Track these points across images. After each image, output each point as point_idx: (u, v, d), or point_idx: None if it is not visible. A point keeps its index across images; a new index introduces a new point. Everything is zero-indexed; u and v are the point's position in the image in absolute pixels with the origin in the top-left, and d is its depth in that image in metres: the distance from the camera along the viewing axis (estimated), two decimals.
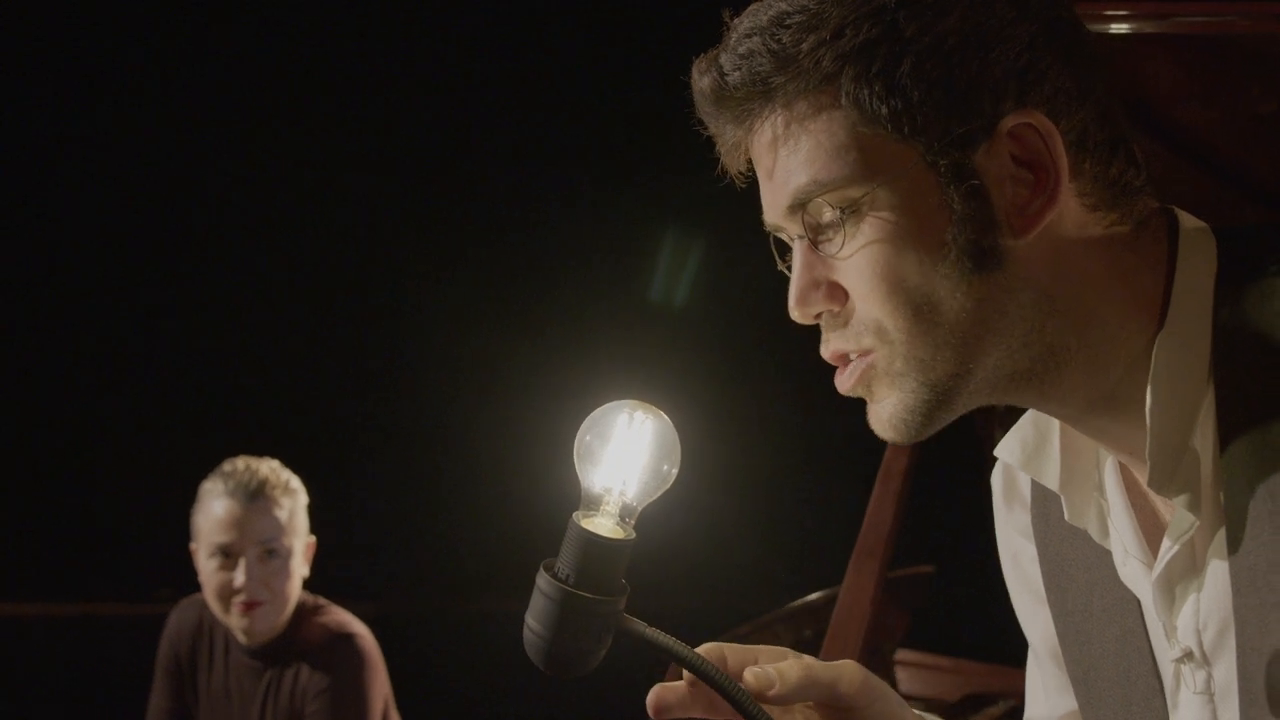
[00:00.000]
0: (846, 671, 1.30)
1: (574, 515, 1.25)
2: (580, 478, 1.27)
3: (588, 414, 1.28)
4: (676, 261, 8.00)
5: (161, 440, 7.22)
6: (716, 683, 1.23)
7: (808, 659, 1.32)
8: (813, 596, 3.37)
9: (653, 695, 1.29)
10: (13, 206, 7.47)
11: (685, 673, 1.29)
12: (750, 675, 1.25)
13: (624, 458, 1.27)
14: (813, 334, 1.36)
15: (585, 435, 1.27)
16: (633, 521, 1.27)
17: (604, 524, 1.25)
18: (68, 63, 7.40)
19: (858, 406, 1.35)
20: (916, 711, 1.41)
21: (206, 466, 3.47)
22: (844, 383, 1.32)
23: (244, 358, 7.74)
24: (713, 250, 6.89)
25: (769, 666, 1.27)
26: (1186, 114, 2.19)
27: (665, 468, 1.27)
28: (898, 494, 2.69)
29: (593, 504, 1.26)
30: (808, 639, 3.38)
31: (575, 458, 1.27)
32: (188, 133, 7.68)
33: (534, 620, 1.24)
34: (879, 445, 2.76)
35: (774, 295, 1.35)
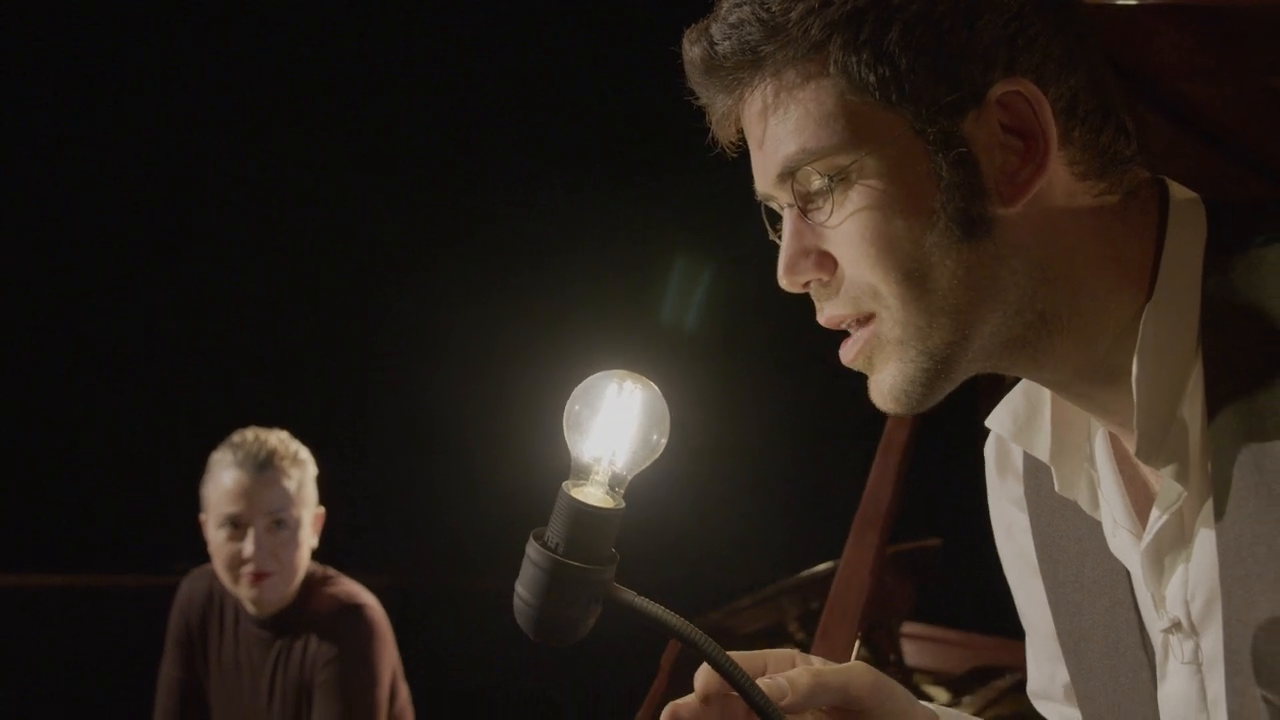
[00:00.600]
0: (856, 674, 1.31)
1: (563, 485, 1.26)
2: (569, 447, 1.27)
3: (576, 385, 1.29)
4: (670, 235, 7.99)
5: (174, 414, 7.25)
6: (704, 651, 1.24)
7: (817, 664, 1.33)
8: (820, 567, 3.37)
9: (666, 713, 1.31)
10: (41, 178, 7.49)
11: (698, 688, 1.31)
12: (760, 685, 1.25)
13: (613, 427, 1.27)
14: (810, 303, 1.36)
15: (574, 405, 1.27)
16: (622, 491, 1.27)
17: (593, 493, 1.25)
18: (66, 61, 7.41)
19: (857, 374, 1.35)
20: (927, 706, 1.41)
21: (220, 439, 3.48)
22: (848, 354, 1.33)
23: (256, 335, 7.75)
24: (706, 223, 6.86)
25: (779, 676, 1.27)
26: (1194, 88, 2.17)
27: (654, 437, 1.27)
28: (898, 466, 2.68)
29: (582, 473, 1.27)
30: (814, 611, 3.38)
31: (564, 427, 1.27)
32: (189, 113, 7.67)
33: (523, 589, 1.25)
34: (879, 415, 2.76)
35: (769, 265, 1.35)
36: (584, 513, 1.24)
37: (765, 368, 7.42)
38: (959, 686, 3.59)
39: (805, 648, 3.36)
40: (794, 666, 1.33)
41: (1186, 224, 1.30)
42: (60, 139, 7.46)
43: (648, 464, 1.28)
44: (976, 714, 3.26)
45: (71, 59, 7.42)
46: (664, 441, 1.28)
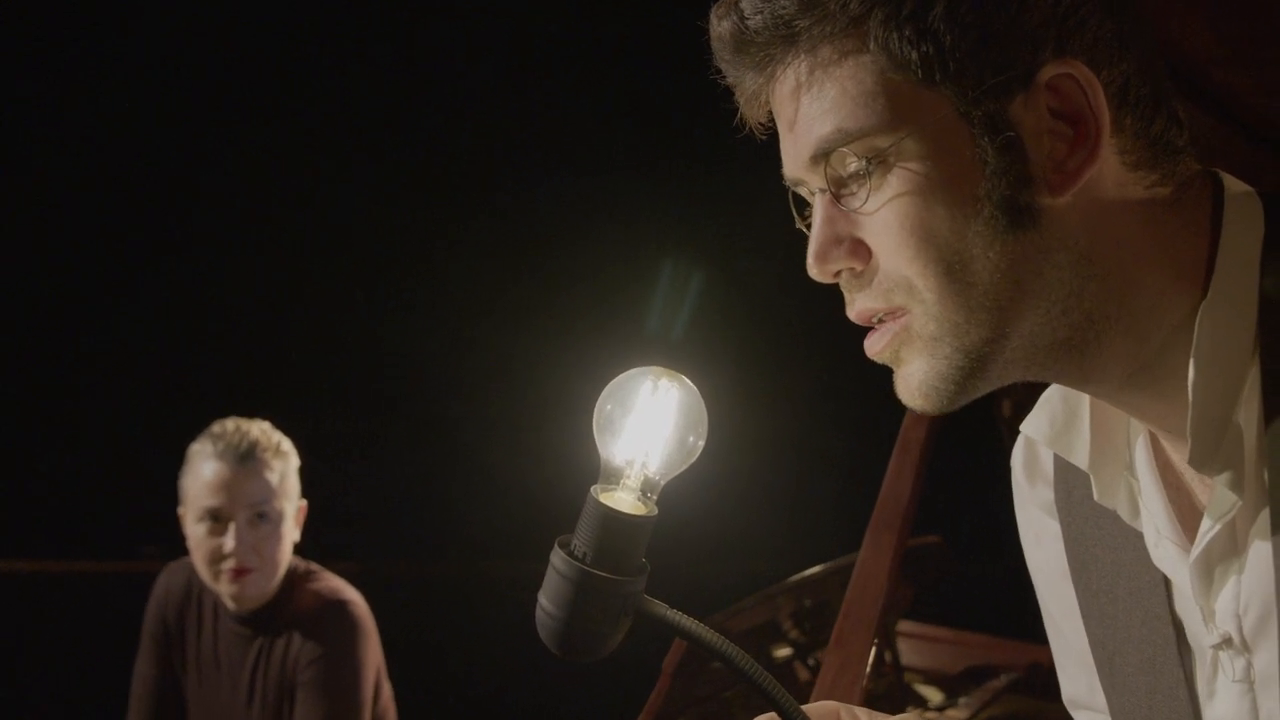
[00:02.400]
0: None
1: (592, 489, 1.20)
2: (600, 449, 1.21)
3: (608, 382, 1.22)
4: (697, 229, 7.97)
5: (147, 393, 7.19)
6: (740, 668, 1.18)
7: (863, 717, 1.29)
8: (811, 570, 3.34)
9: None
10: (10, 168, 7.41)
11: None
12: None
13: (647, 428, 1.21)
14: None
15: (606, 404, 1.21)
16: (655, 497, 1.21)
17: (624, 499, 1.20)
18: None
19: (880, 371, 1.29)
20: None
21: (194, 418, 3.38)
22: (874, 345, 1.27)
23: (244, 319, 7.71)
24: (734, 216, 6.84)
25: None
26: (1221, 76, 2.13)
27: (691, 439, 1.22)
28: (916, 465, 2.61)
29: (612, 477, 1.21)
30: (808, 608, 3.35)
31: (595, 428, 1.21)
32: (188, 106, 7.63)
33: (548, 600, 1.18)
34: (898, 414, 2.70)
35: (800, 257, 1.28)
36: (615, 520, 1.17)
37: (789, 363, 7.40)
38: (953, 687, 3.54)
39: (800, 646, 3.32)
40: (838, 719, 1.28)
41: (1242, 219, 1.25)
42: (49, 130, 7.40)
43: (683, 468, 1.21)
44: (972, 716, 3.22)
45: (70, 55, 7.36)
46: (701, 444, 1.22)
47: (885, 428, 2.72)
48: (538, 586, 1.21)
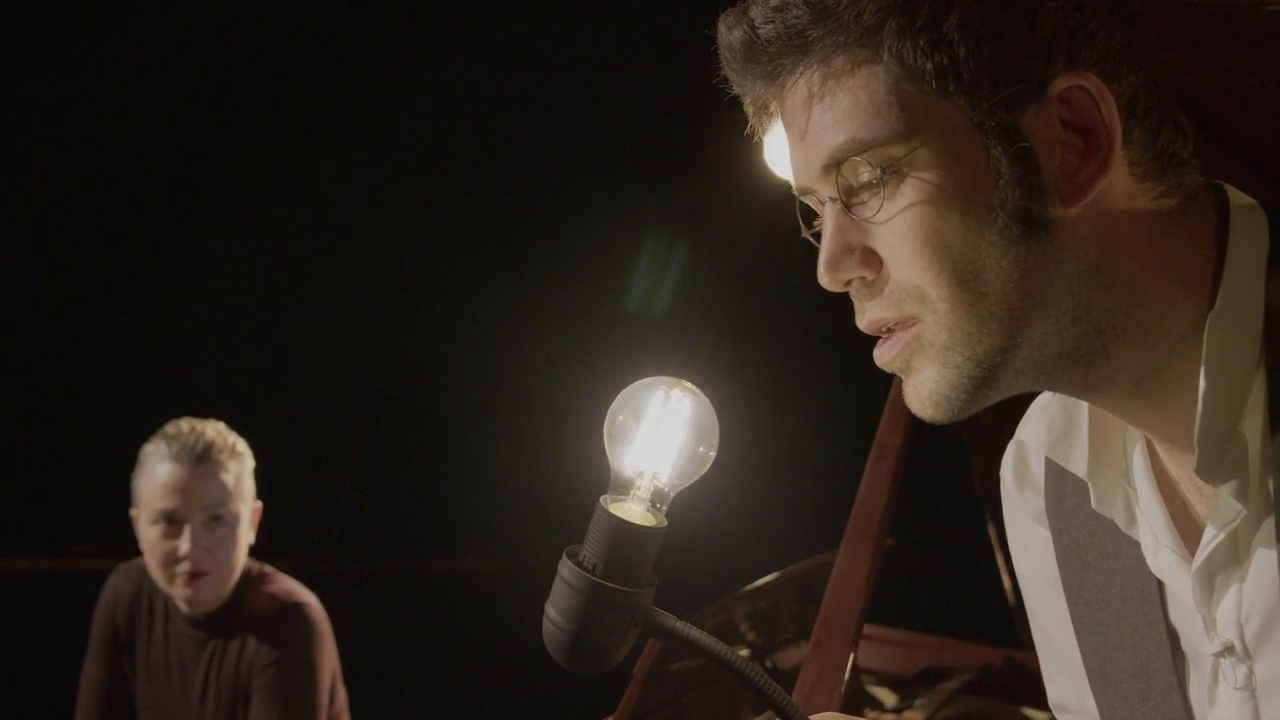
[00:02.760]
0: None
1: (601, 500, 1.19)
2: (610, 460, 1.20)
3: (618, 392, 1.21)
4: (700, 236, 7.95)
5: (82, 387, 7.10)
6: (750, 680, 1.18)
7: None
8: (768, 577, 3.35)
9: None
10: None
11: None
12: None
13: (659, 440, 1.20)
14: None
15: (618, 415, 1.20)
16: (665, 508, 1.20)
17: (634, 510, 1.19)
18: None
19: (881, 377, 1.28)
20: None
21: (128, 413, 3.32)
22: (885, 355, 1.26)
23: (242, 318, 7.64)
24: (740, 226, 6.81)
25: None
26: (1188, 83, 2.13)
27: (702, 450, 1.21)
28: (893, 471, 2.60)
29: (622, 488, 1.20)
30: (763, 610, 3.35)
31: (605, 438, 1.19)
32: (187, 105, 7.56)
33: (555, 611, 1.17)
34: (866, 415, 2.68)
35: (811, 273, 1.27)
36: (625, 531, 1.17)
37: (789, 370, 7.40)
38: (907, 689, 3.54)
39: (756, 649, 3.31)
40: None
41: (1248, 230, 1.25)
42: (47, 129, 7.31)
43: (694, 479, 1.20)
44: (929, 718, 3.23)
45: (70, 55, 7.27)
46: (712, 455, 1.21)
47: (864, 432, 2.72)
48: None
